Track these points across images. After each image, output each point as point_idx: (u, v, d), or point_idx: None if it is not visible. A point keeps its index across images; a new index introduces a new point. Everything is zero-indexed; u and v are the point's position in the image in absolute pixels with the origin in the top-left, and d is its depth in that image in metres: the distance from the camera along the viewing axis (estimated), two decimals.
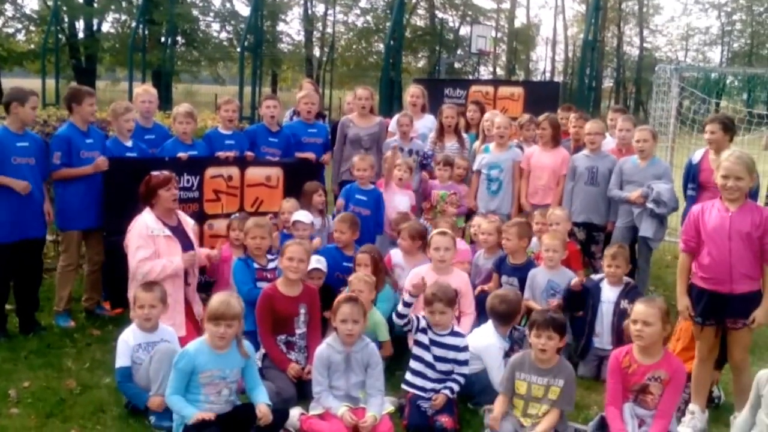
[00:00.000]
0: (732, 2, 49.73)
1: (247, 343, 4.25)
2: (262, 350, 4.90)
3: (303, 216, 6.01)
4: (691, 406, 4.56)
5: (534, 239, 6.12)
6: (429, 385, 4.55)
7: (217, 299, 4.12)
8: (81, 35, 33.07)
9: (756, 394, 3.90)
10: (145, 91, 6.78)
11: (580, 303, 5.51)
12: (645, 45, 51.02)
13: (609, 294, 5.46)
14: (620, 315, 5.24)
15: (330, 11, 39.64)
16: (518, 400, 4.32)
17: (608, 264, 5.49)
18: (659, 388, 4.12)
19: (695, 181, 6.20)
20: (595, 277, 5.75)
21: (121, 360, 4.42)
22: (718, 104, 10.90)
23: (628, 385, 4.18)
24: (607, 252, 5.60)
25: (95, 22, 33.07)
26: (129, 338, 4.47)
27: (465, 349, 4.62)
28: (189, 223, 5.50)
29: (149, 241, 5.08)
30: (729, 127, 6.05)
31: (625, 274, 5.54)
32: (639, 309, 4.13)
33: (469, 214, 7.23)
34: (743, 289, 4.24)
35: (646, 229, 6.34)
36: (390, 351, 5.09)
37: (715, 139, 6.01)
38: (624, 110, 8.66)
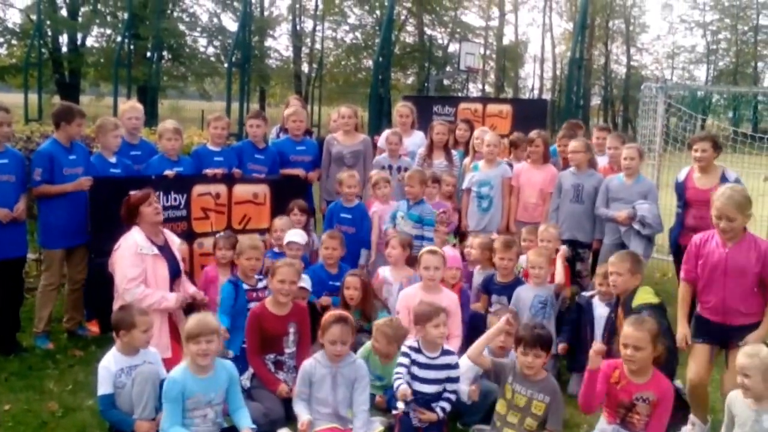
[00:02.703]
0: (717, 21, 50.42)
1: (230, 364, 4.25)
2: (251, 370, 4.83)
3: (297, 236, 5.97)
4: (692, 417, 4.56)
5: (522, 256, 6.09)
6: (420, 401, 4.48)
7: (192, 319, 4.14)
8: (65, 49, 32.70)
9: (729, 413, 3.95)
10: (132, 107, 6.72)
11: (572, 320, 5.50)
12: (632, 63, 51.61)
13: (600, 310, 5.42)
14: (611, 331, 5.19)
15: (319, 27, 39.84)
16: (503, 402, 4.33)
17: (600, 283, 5.47)
18: (647, 408, 4.08)
19: (682, 199, 6.24)
20: (585, 294, 5.73)
21: (103, 387, 4.28)
22: (704, 122, 10.96)
23: (615, 401, 4.14)
24: (599, 271, 5.58)
25: (79, 36, 32.85)
26: (110, 364, 4.32)
27: (456, 366, 4.59)
28: (175, 242, 5.45)
29: (138, 260, 5.01)
30: (719, 146, 6.13)
31: None
32: (629, 332, 4.01)
33: (458, 232, 7.20)
34: (739, 322, 4.29)
35: (635, 247, 6.32)
36: None
37: (705, 157, 6.06)
38: (608, 128, 8.71)
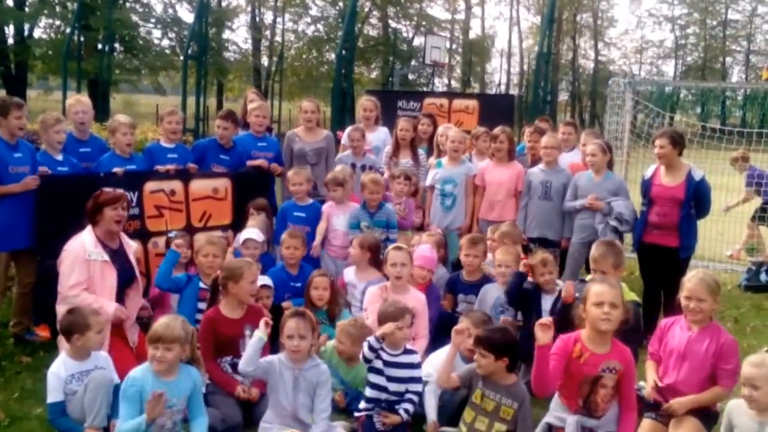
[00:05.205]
0: (686, 16, 51.24)
1: (195, 371, 4.13)
2: (206, 377, 4.64)
3: (254, 233, 5.83)
4: None
5: (489, 255, 6.00)
6: (383, 404, 4.42)
7: (160, 321, 4.02)
8: (11, 41, 31.59)
9: (727, 423, 3.86)
10: (78, 101, 6.51)
11: (524, 308, 5.37)
12: (600, 58, 52.13)
13: (546, 305, 5.27)
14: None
15: (279, 19, 39.34)
16: (470, 410, 4.26)
17: (540, 273, 5.29)
18: (613, 379, 4.01)
19: (646, 196, 6.23)
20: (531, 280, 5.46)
21: (53, 395, 4.11)
22: (672, 118, 10.99)
23: (578, 378, 4.04)
24: (534, 260, 5.35)
25: (26, 27, 31.75)
26: (60, 370, 4.15)
27: (418, 366, 4.54)
28: (131, 246, 5.28)
29: (83, 266, 4.81)
30: (678, 141, 6.10)
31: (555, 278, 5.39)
32: (602, 290, 3.92)
33: (421, 229, 7.07)
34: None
35: None
36: None
37: (664, 153, 6.06)
38: (574, 123, 8.69)
